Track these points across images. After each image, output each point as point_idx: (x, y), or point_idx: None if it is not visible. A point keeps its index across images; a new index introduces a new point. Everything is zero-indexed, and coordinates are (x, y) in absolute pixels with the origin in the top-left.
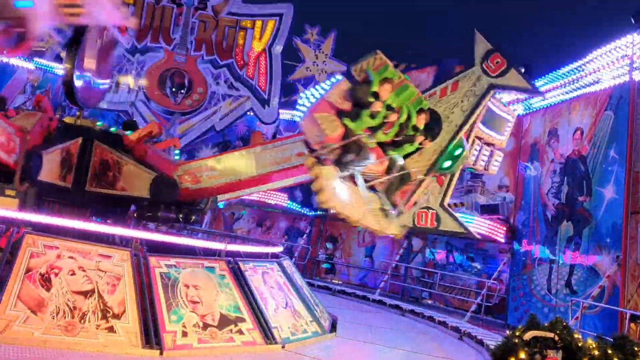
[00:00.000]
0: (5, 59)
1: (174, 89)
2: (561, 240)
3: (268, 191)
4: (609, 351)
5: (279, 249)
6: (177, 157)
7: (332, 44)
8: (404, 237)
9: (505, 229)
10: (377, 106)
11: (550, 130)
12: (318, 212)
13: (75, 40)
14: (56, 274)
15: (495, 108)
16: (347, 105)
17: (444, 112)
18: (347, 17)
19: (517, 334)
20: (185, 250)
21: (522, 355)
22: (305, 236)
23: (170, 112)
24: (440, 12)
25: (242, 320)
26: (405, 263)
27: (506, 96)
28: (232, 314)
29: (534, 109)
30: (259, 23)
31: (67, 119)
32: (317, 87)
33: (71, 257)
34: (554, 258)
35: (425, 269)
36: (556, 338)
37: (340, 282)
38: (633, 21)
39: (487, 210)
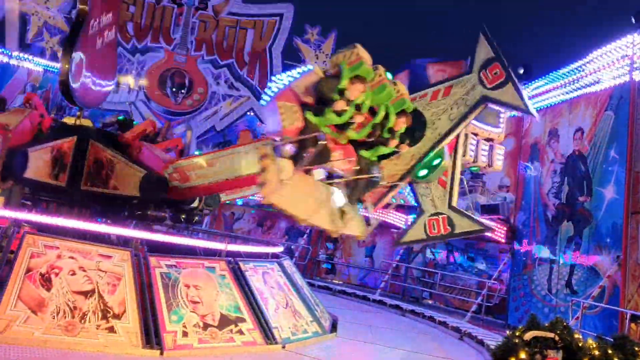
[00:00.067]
0: (5, 59)
1: (174, 89)
2: (561, 241)
3: None
4: (610, 351)
5: (279, 249)
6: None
7: (333, 44)
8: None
9: (505, 229)
10: (340, 105)
11: (551, 130)
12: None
13: (71, 39)
14: (56, 274)
15: None
16: (310, 98)
17: (431, 117)
18: (347, 17)
19: (517, 334)
20: (185, 250)
21: (523, 355)
22: (305, 236)
23: (170, 112)
24: (440, 12)
25: (243, 320)
26: (405, 263)
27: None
28: (232, 314)
29: (535, 109)
30: (259, 23)
31: (67, 119)
32: (287, 73)
33: (71, 257)
34: (554, 258)
35: (426, 269)
36: (556, 338)
37: (340, 282)
38: (634, 21)
39: (488, 210)
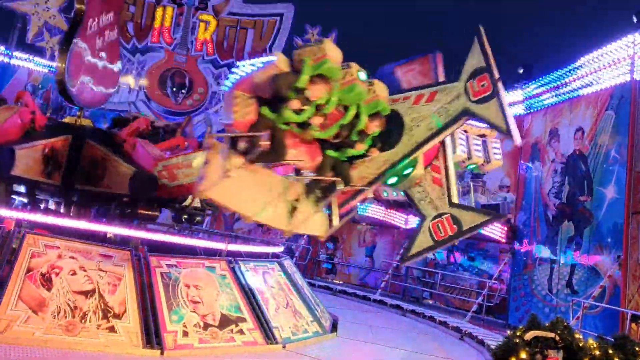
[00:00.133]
0: (5, 59)
1: (174, 89)
2: (562, 240)
3: None
4: (610, 351)
5: (279, 249)
6: None
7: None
8: (404, 238)
9: (506, 229)
10: (295, 104)
11: (551, 130)
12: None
13: (68, 38)
14: (57, 274)
15: None
16: (267, 92)
17: (410, 123)
18: (347, 17)
19: (518, 334)
20: (186, 250)
21: (523, 355)
22: (305, 236)
23: (171, 112)
24: (440, 12)
25: (243, 320)
26: None
27: None
28: (232, 313)
29: (535, 109)
30: (259, 23)
31: (68, 119)
32: (251, 60)
33: (72, 257)
34: (555, 258)
35: (426, 269)
36: (557, 338)
37: (341, 282)
38: (635, 20)
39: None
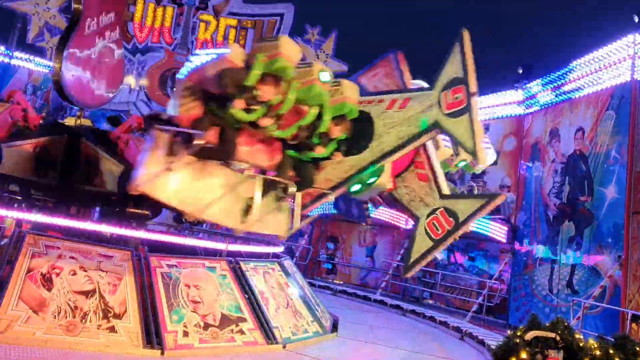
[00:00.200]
0: (5, 59)
1: (175, 89)
2: (562, 240)
3: None
4: (611, 351)
5: (280, 249)
6: None
7: (333, 44)
8: (404, 238)
9: (506, 229)
10: (240, 104)
11: (552, 130)
12: None
13: (64, 38)
14: (57, 274)
15: None
16: (214, 87)
17: (381, 129)
18: (347, 17)
19: (518, 334)
20: (186, 250)
21: (524, 355)
22: (306, 236)
23: None
24: (440, 12)
25: (243, 320)
26: None
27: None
28: (233, 314)
29: (535, 109)
30: (259, 23)
31: (69, 119)
32: (208, 50)
33: (72, 257)
34: (555, 258)
35: (427, 269)
36: (557, 338)
37: (341, 282)
38: (636, 20)
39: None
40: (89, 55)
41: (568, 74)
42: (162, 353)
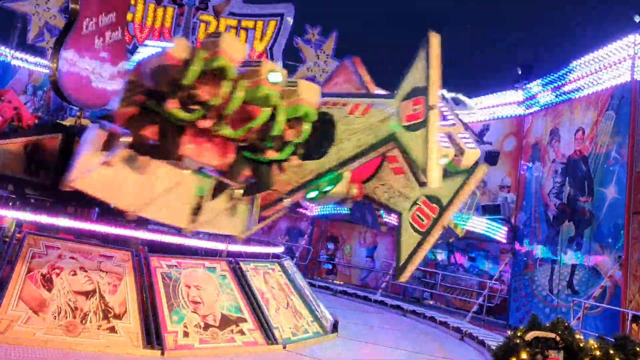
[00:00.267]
0: (6, 59)
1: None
2: (563, 241)
3: None
4: (611, 352)
5: (280, 250)
6: None
7: (334, 44)
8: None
9: (506, 229)
10: (173, 104)
11: (552, 130)
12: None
13: (60, 38)
14: (57, 274)
15: None
16: (149, 83)
17: (342, 134)
18: (348, 17)
19: (518, 334)
20: (186, 250)
21: (524, 355)
22: (306, 236)
23: None
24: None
25: (244, 320)
26: None
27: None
28: (233, 314)
29: (535, 109)
30: (260, 23)
31: (69, 120)
32: (154, 42)
33: (72, 258)
34: (555, 258)
35: (427, 269)
36: (558, 338)
37: (341, 283)
38: (638, 20)
39: (489, 210)
40: (89, 55)
41: (568, 74)
42: (162, 353)
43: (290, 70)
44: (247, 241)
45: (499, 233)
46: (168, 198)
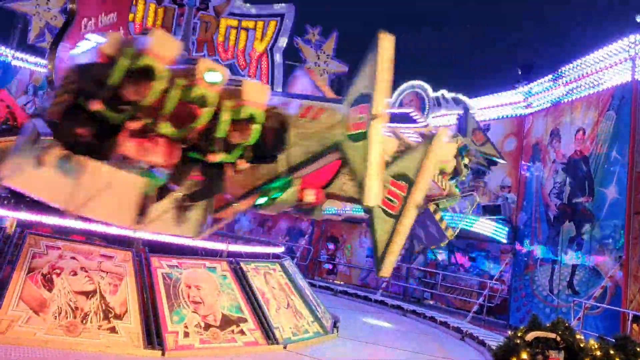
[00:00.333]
0: (7, 59)
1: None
2: (563, 241)
3: None
4: (611, 352)
5: (280, 250)
6: None
7: (334, 44)
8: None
9: (507, 229)
10: (96, 105)
11: (553, 131)
12: None
13: (57, 39)
14: (58, 274)
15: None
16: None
17: (294, 138)
18: (348, 17)
19: (519, 334)
20: (187, 250)
21: (524, 355)
22: (306, 236)
23: None
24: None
25: (244, 320)
26: (407, 263)
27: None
28: (233, 314)
29: (536, 109)
30: (260, 24)
31: None
32: (94, 36)
33: (73, 258)
34: (556, 258)
35: (427, 269)
36: (558, 339)
37: (341, 283)
38: (639, 19)
39: (489, 210)
40: None
41: (568, 74)
42: (163, 354)
43: (291, 70)
44: (248, 241)
45: (500, 233)
46: (109, 197)
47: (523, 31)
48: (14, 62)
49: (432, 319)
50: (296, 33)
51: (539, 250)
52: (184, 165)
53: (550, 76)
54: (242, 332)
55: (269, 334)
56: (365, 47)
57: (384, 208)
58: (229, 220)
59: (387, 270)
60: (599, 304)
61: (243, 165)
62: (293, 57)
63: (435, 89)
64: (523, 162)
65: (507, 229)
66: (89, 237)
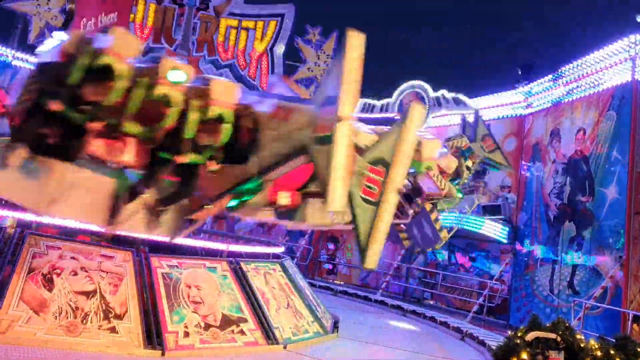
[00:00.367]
0: (7, 59)
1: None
2: (563, 241)
3: None
4: (612, 352)
5: (280, 250)
6: None
7: (334, 44)
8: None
9: (507, 229)
10: (55, 105)
11: (553, 131)
12: None
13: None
14: (58, 274)
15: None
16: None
17: (265, 139)
18: (348, 17)
19: (519, 334)
20: (187, 250)
21: (524, 355)
22: (306, 236)
23: None
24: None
25: (244, 320)
26: (407, 263)
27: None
28: (234, 314)
29: (536, 109)
30: (260, 24)
31: None
32: (57, 34)
33: (73, 258)
34: (556, 258)
35: (427, 269)
36: (558, 339)
37: (341, 283)
38: (639, 19)
39: (490, 210)
40: None
41: (568, 74)
42: (163, 353)
43: (291, 70)
44: (248, 241)
45: (500, 233)
46: (77, 197)
47: (523, 31)
48: (14, 62)
49: (432, 319)
50: (296, 33)
51: (539, 250)
52: (154, 166)
53: (550, 76)
54: (242, 332)
55: (269, 334)
56: (365, 47)
57: (364, 196)
58: (203, 222)
59: (372, 260)
60: (599, 304)
61: (213, 166)
62: (293, 57)
63: (435, 89)
64: (523, 162)
65: (507, 229)
66: (91, 237)
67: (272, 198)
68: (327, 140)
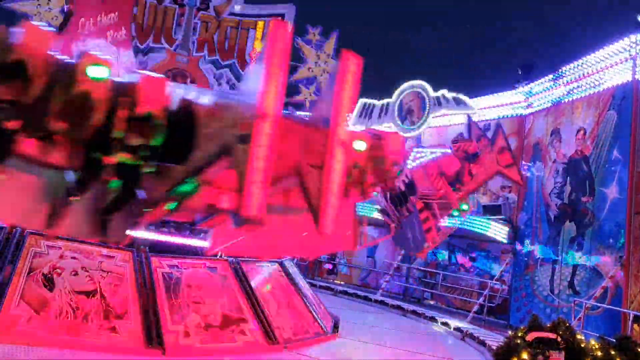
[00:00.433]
0: None
1: None
2: (564, 241)
3: None
4: (612, 352)
5: None
6: None
7: (334, 44)
8: None
9: (507, 229)
10: None
11: (553, 131)
12: None
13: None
14: (59, 274)
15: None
16: None
17: (202, 139)
18: (348, 17)
19: (519, 334)
20: (187, 250)
21: (525, 355)
22: None
23: None
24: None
25: (244, 320)
26: (407, 263)
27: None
28: (234, 314)
29: (537, 109)
30: (260, 23)
31: None
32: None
33: (74, 258)
34: (556, 258)
35: (428, 269)
36: (559, 339)
37: (342, 283)
38: (639, 19)
39: (490, 210)
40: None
41: (569, 74)
42: (163, 353)
43: (291, 70)
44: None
45: (500, 233)
46: (9, 199)
47: (523, 31)
48: None
49: (433, 319)
50: (296, 33)
51: (539, 250)
52: (89, 167)
53: (550, 76)
54: (242, 332)
55: (269, 334)
56: (365, 47)
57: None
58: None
59: (327, 225)
60: (599, 304)
61: (147, 167)
62: (293, 57)
63: (435, 89)
64: (524, 162)
65: (507, 229)
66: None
67: (213, 200)
68: (245, 140)
